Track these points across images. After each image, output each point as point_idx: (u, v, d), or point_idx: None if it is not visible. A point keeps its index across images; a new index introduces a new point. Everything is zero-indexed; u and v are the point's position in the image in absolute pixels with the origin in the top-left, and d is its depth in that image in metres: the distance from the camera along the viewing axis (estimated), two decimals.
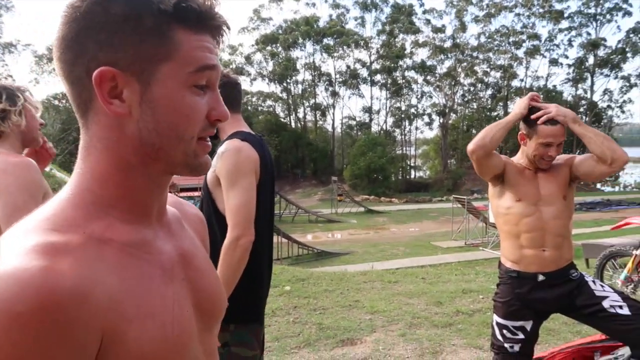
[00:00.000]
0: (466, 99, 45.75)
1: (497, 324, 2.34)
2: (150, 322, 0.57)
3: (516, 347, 2.29)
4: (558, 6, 42.10)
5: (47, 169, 7.66)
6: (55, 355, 0.47)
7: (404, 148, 46.19)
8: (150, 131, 0.59)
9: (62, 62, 0.58)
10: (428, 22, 43.88)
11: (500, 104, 45.24)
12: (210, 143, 0.65)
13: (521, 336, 2.30)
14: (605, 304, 2.19)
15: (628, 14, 41.06)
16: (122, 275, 0.56)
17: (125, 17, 0.56)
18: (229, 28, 0.64)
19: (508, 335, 2.30)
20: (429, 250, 15.48)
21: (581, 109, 44.15)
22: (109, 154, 0.61)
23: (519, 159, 2.38)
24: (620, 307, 2.17)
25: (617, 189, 44.10)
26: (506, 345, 2.30)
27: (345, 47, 42.82)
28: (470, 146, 2.23)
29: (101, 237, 0.57)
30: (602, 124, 43.77)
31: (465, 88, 45.27)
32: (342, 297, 5.14)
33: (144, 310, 0.57)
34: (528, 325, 2.31)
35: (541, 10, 42.02)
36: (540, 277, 2.25)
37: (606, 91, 43.26)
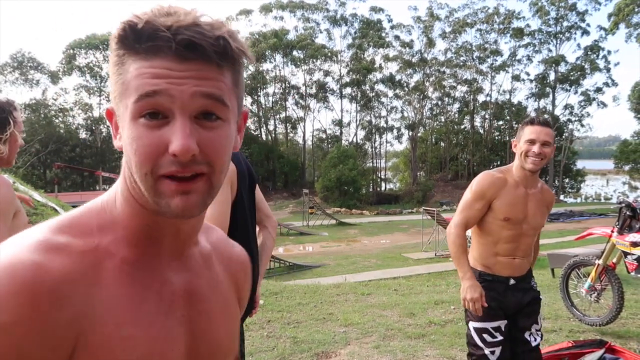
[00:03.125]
0: (434, 113, 46.70)
1: (475, 329, 2.38)
2: (125, 346, 0.56)
3: (497, 352, 2.34)
4: (519, 24, 43.76)
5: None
6: (25, 342, 0.50)
7: (375, 160, 46.67)
8: (127, 168, 0.60)
9: None
10: (397, 37, 44.78)
11: (467, 117, 46.34)
12: (184, 182, 0.57)
13: (499, 337, 2.37)
14: (533, 328, 2.46)
15: (586, 32, 42.94)
16: (113, 291, 0.57)
17: (111, 55, 0.58)
18: (197, 43, 0.55)
19: (489, 339, 2.35)
20: (400, 262, 15.60)
21: None
22: (123, 180, 0.63)
23: (515, 168, 2.43)
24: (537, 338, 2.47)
25: (579, 200, 45.66)
26: (487, 351, 2.34)
27: (314, 60, 43.17)
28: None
29: (107, 249, 0.59)
30: (563, 137, 45.37)
31: (434, 102, 46.23)
32: (316, 310, 5.13)
33: (123, 332, 0.56)
34: (503, 325, 2.40)
35: (501, 26, 43.54)
36: (512, 281, 2.42)
37: (567, 106, 44.93)
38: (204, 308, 0.68)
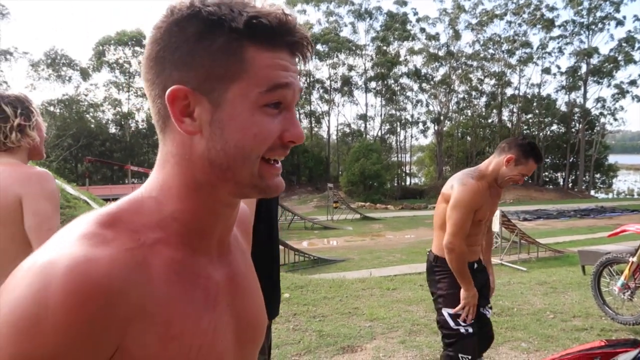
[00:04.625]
0: (461, 107, 45.99)
1: (450, 315, 2.55)
2: (175, 345, 0.56)
3: (470, 329, 2.51)
4: (549, 15, 42.63)
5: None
6: (78, 341, 0.48)
7: (399, 155, 46.32)
8: (218, 151, 0.58)
9: (146, 81, 0.60)
10: (423, 30, 44.22)
11: (495, 111, 45.49)
12: (279, 165, 0.63)
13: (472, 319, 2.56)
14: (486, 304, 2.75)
15: (620, 23, 41.57)
16: (162, 290, 0.56)
17: (199, 36, 0.56)
18: (309, 43, 0.61)
19: (462, 322, 2.52)
20: (426, 257, 15.47)
21: (575, 117, 44.49)
22: (180, 171, 0.61)
23: (492, 172, 2.56)
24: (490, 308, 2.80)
25: (610, 195, 44.40)
26: (462, 329, 2.51)
27: (338, 53, 43.01)
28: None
29: (153, 247, 0.57)
30: (595, 131, 44.09)
31: (460, 95, 45.53)
32: (342, 304, 5.15)
33: (172, 332, 0.56)
34: (475, 306, 2.58)
35: (532, 17, 42.47)
36: (476, 265, 2.68)
37: (599, 99, 43.62)
38: (243, 287, 0.70)
